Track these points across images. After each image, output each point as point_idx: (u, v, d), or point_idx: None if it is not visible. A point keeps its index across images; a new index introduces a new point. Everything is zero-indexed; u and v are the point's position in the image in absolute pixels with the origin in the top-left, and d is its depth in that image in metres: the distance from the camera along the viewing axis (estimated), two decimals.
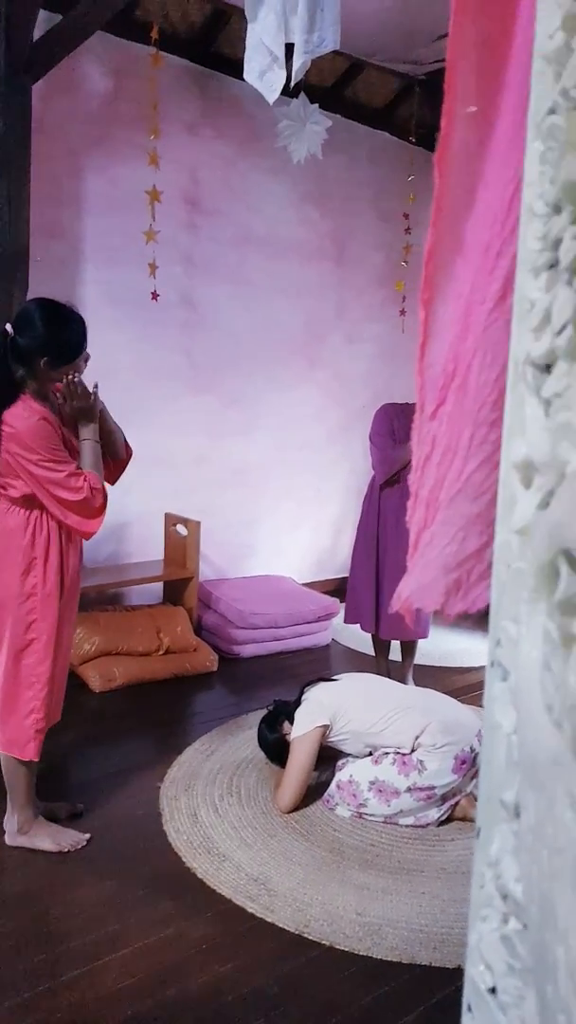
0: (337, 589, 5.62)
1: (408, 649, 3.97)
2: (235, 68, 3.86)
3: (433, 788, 2.75)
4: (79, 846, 2.58)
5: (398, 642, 3.99)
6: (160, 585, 4.68)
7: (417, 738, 2.80)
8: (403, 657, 3.97)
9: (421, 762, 2.76)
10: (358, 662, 4.39)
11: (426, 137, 5.64)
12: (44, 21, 3.59)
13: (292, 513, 5.49)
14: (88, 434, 2.47)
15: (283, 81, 2.38)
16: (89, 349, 2.46)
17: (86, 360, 2.45)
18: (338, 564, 5.83)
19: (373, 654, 4.09)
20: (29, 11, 3.36)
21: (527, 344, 0.49)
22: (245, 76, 2.41)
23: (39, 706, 2.46)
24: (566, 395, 0.45)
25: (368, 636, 4.04)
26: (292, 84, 2.46)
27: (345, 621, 4.01)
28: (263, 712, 3.17)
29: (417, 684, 3.82)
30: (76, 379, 2.42)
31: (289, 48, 2.35)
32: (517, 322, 0.51)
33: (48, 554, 2.42)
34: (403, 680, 3.83)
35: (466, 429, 0.65)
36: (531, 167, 0.49)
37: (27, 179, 3.55)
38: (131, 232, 4.28)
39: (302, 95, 4.26)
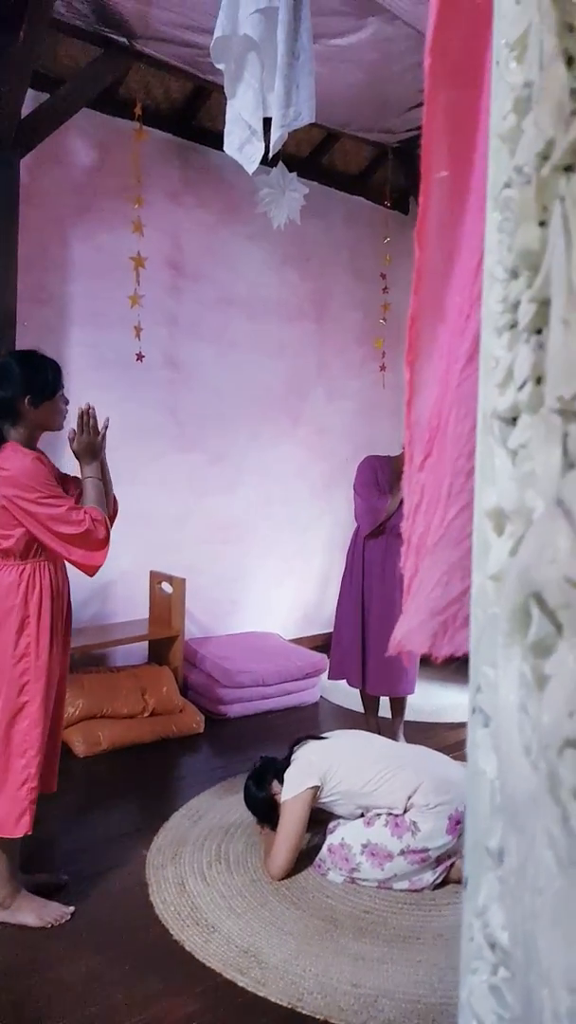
0: (324, 644, 5.57)
1: (398, 705, 3.93)
2: (216, 140, 4.01)
3: (427, 850, 2.70)
4: (63, 920, 2.49)
5: (387, 698, 3.95)
6: (145, 644, 4.64)
7: (410, 798, 2.75)
8: (393, 714, 3.93)
9: (414, 823, 2.71)
10: (348, 719, 4.34)
11: (400, 201, 5.85)
12: (32, 99, 3.73)
13: (277, 568, 5.49)
14: (91, 472, 2.51)
15: (261, 153, 2.47)
16: (75, 408, 2.51)
17: (66, 403, 2.51)
18: (324, 619, 5.80)
19: (363, 711, 4.05)
20: (18, 90, 3.50)
21: (493, 399, 0.52)
22: (225, 149, 2.50)
23: (33, 774, 2.39)
24: (530, 446, 0.47)
25: (357, 692, 4.00)
26: (271, 156, 2.55)
27: (330, 677, 3.97)
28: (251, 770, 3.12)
29: (408, 741, 3.78)
30: (92, 409, 2.50)
31: (267, 121, 2.44)
32: (483, 378, 0.53)
33: (41, 611, 2.40)
34: (394, 737, 3.77)
35: (446, 478, 0.68)
36: (491, 236, 0.53)
37: (15, 248, 3.65)
38: (116, 297, 4.38)
39: (280, 164, 4.41)
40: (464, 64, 0.71)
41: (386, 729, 3.83)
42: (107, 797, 3.43)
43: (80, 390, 4.28)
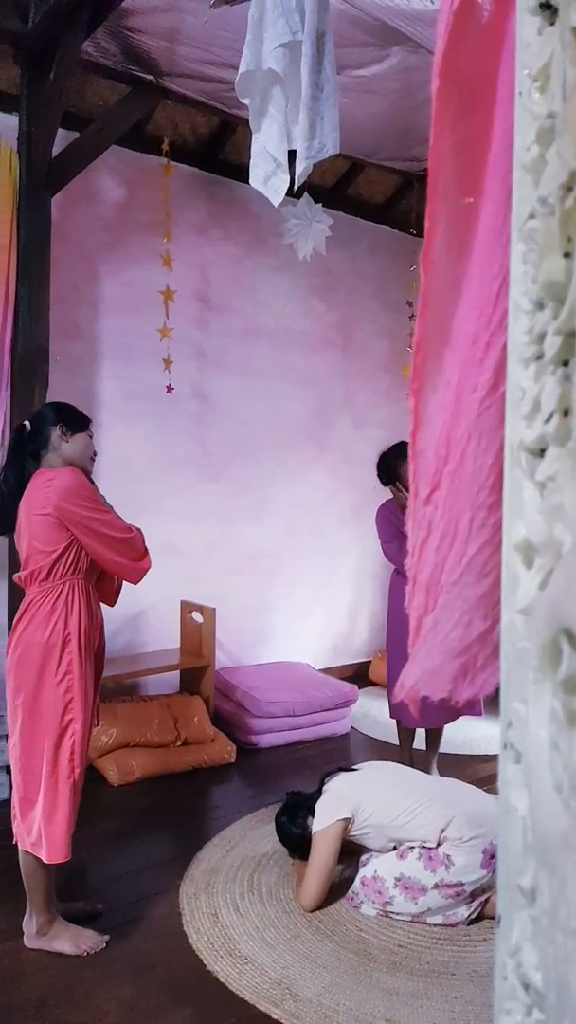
0: (355, 675, 5.54)
1: (433, 738, 3.87)
2: (241, 173, 4.06)
3: (462, 884, 2.64)
4: (98, 948, 2.50)
5: (423, 731, 3.88)
6: (177, 674, 4.64)
7: (443, 831, 2.70)
8: (428, 746, 3.86)
9: (448, 857, 2.66)
10: (379, 750, 4.30)
11: None
12: (62, 138, 3.82)
13: (306, 598, 5.47)
14: None
15: (287, 185, 2.49)
16: (107, 441, 2.59)
17: (95, 453, 2.64)
18: (354, 649, 5.77)
19: (393, 742, 3.99)
20: (48, 131, 3.59)
21: (520, 431, 0.51)
22: (251, 182, 2.53)
23: (79, 792, 2.44)
24: (558, 479, 0.47)
25: (390, 723, 3.94)
26: (296, 188, 2.57)
27: (392, 716, 3.84)
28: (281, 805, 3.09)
29: (441, 773, 3.72)
30: None
31: (292, 154, 2.47)
32: (511, 410, 0.53)
33: (80, 628, 2.45)
34: (427, 769, 3.71)
35: (465, 513, 0.66)
36: (516, 267, 0.52)
37: (47, 284, 3.72)
38: (146, 330, 4.45)
39: (306, 195, 4.46)
40: (473, 87, 0.71)
41: (419, 761, 3.77)
42: (141, 826, 3.42)
43: (111, 423, 4.36)
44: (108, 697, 4.22)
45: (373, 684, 5.50)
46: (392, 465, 3.73)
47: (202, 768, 4.01)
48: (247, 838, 3.28)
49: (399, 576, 3.78)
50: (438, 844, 2.70)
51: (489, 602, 0.61)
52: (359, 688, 4.87)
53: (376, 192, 5.65)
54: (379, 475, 3.83)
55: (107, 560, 2.47)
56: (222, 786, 3.92)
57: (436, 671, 0.66)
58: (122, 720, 3.97)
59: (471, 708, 3.69)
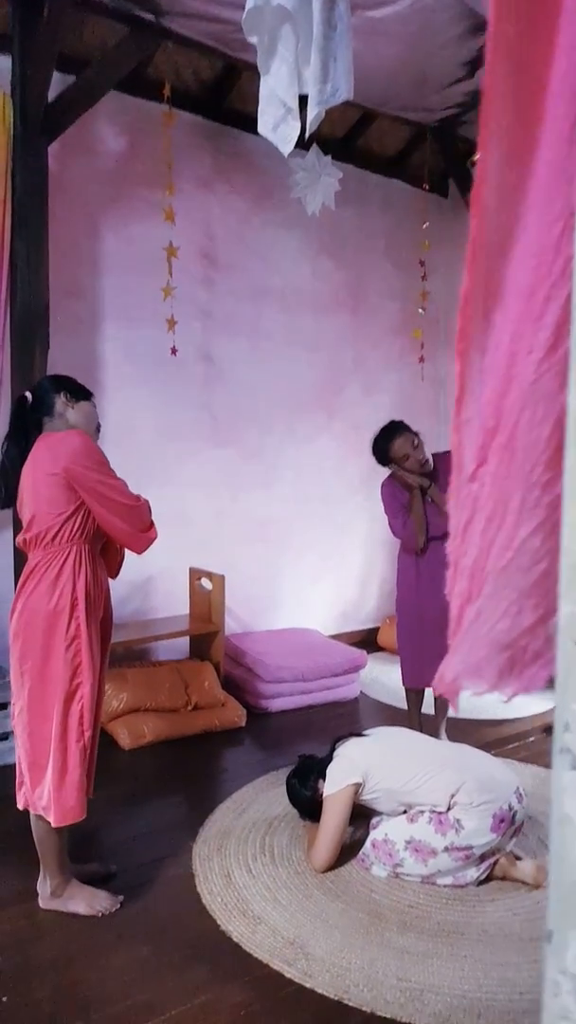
0: (363, 640, 5.53)
1: (441, 702, 3.85)
2: (247, 123, 3.90)
3: (471, 848, 2.65)
4: (113, 909, 2.52)
5: (431, 696, 3.87)
6: (186, 640, 4.63)
7: (453, 796, 2.70)
8: (436, 710, 3.85)
9: (458, 821, 2.66)
10: (388, 715, 4.30)
11: (439, 184, 5.68)
12: (58, 82, 3.64)
13: (315, 565, 5.43)
14: None
15: (297, 132, 2.38)
16: (110, 406, 2.52)
17: (98, 427, 2.60)
18: (363, 615, 5.74)
19: (401, 707, 3.98)
20: (43, 73, 3.42)
21: None
22: (259, 129, 2.42)
23: (89, 754, 2.44)
24: None
25: (399, 688, 3.92)
26: (307, 136, 2.46)
27: (407, 684, 3.83)
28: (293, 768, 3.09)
29: (449, 738, 3.72)
30: None
31: (303, 99, 2.35)
32: (575, 375, 0.47)
33: (87, 592, 2.43)
34: (436, 734, 3.71)
35: (516, 492, 0.59)
36: None
37: (44, 239, 3.59)
38: (149, 289, 4.32)
39: (315, 146, 4.31)
40: None
41: (428, 725, 3.76)
42: (153, 789, 3.43)
43: (114, 386, 4.28)
44: (118, 662, 4.21)
45: (382, 649, 5.50)
46: (382, 447, 3.65)
47: (213, 732, 4.01)
48: (259, 801, 3.28)
49: (405, 553, 3.73)
50: (448, 808, 2.70)
51: (541, 591, 0.56)
52: (368, 653, 4.86)
53: (388, 144, 5.46)
54: (375, 457, 3.75)
55: (113, 526, 2.43)
56: (233, 749, 3.93)
57: (481, 664, 0.60)
58: (132, 685, 3.97)
59: None
